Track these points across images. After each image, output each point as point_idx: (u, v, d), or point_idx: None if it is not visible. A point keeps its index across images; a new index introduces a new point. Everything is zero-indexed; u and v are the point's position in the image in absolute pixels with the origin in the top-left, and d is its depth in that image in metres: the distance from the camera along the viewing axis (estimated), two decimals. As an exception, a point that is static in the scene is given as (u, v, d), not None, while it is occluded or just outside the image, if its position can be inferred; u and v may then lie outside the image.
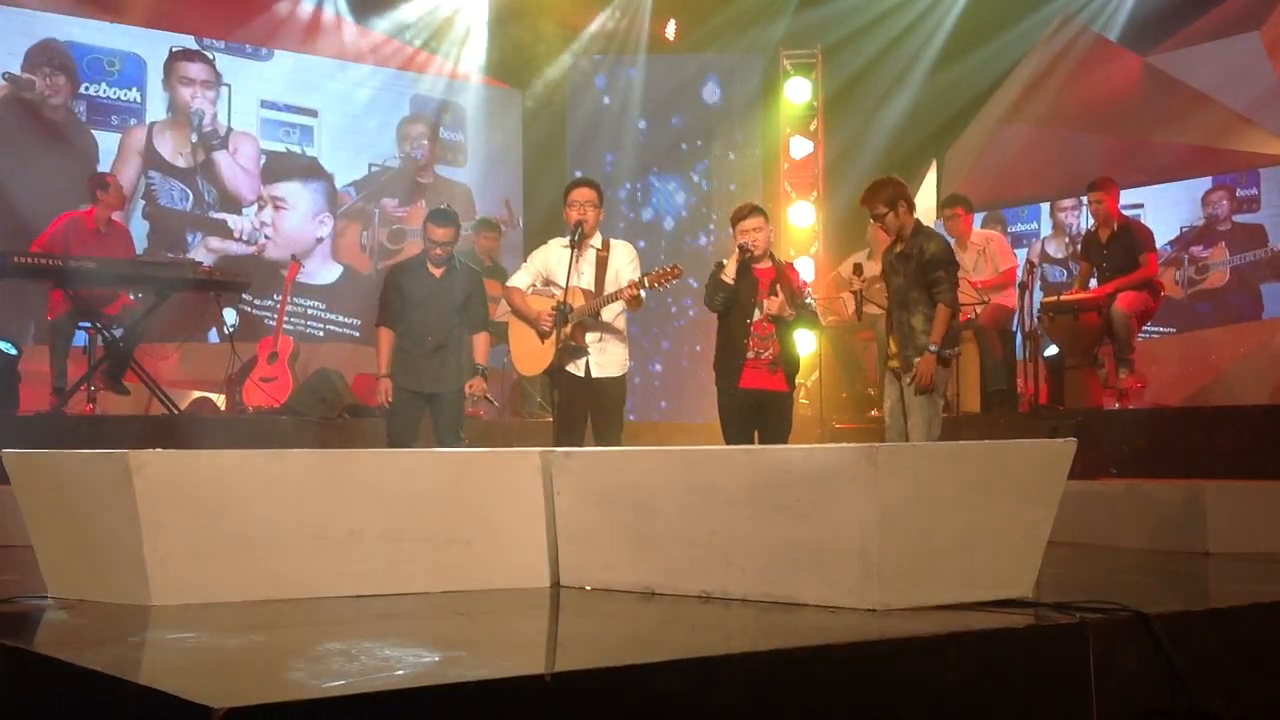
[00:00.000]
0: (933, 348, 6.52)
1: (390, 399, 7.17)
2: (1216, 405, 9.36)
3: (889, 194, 6.69)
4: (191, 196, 11.44)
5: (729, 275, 6.78)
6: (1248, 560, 4.41)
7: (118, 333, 8.55)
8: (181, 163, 11.40)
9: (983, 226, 10.67)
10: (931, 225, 7.40)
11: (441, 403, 7.19)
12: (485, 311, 7.47)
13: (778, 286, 6.78)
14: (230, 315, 9.65)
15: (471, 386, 7.20)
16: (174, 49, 11.44)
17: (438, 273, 7.23)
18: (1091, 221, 9.31)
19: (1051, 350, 9.12)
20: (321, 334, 11.88)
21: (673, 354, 12.68)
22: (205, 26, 11.64)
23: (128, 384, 8.76)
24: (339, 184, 12.31)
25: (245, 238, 11.67)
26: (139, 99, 11.27)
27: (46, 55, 10.81)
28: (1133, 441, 7.62)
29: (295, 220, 12.04)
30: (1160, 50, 11.13)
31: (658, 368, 12.76)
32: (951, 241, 9.12)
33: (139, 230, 10.37)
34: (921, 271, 6.56)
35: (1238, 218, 10.92)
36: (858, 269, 7.21)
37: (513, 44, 12.89)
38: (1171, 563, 4.45)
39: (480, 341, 7.31)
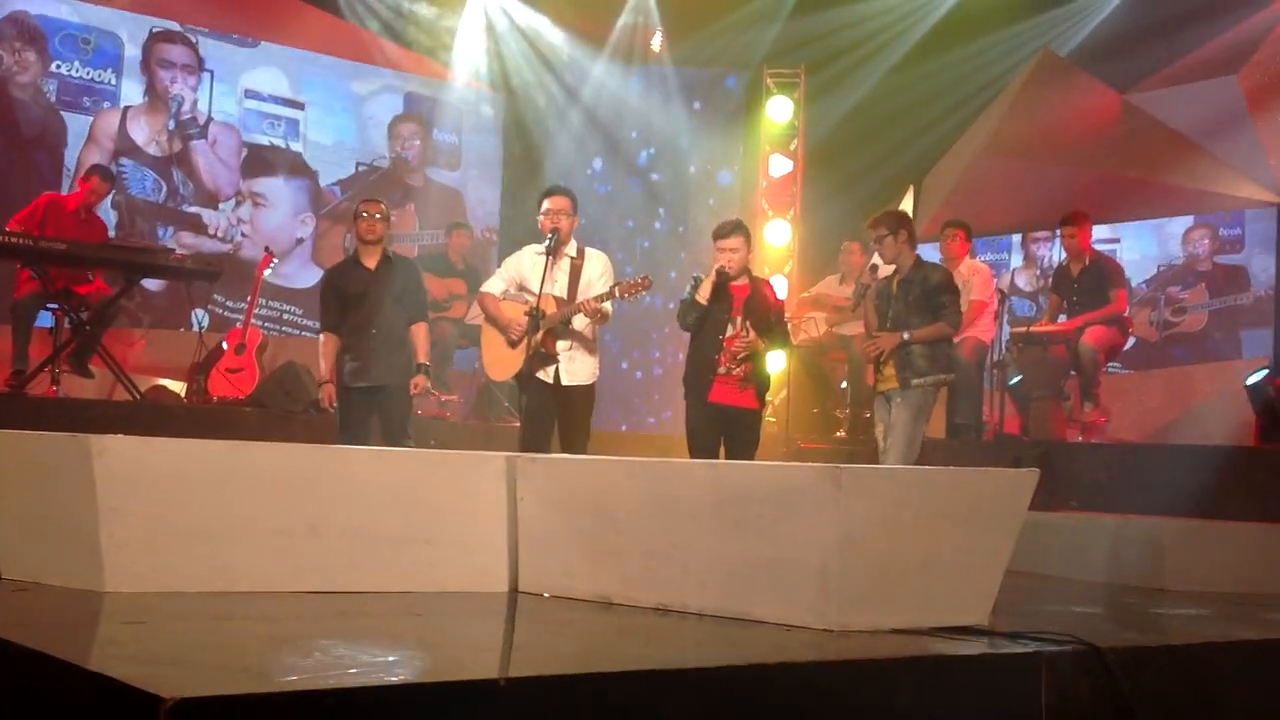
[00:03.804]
0: (906, 336, 6.67)
1: (334, 403, 7.14)
2: (1178, 443, 9.44)
3: (894, 221, 6.91)
4: (165, 188, 11.23)
5: (703, 297, 6.79)
6: (1204, 599, 4.44)
7: (85, 315, 8.51)
8: (155, 151, 11.20)
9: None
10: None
11: (389, 397, 7.14)
12: (423, 301, 7.44)
13: (747, 324, 6.79)
14: (202, 317, 9.56)
15: (415, 385, 7.16)
16: (154, 29, 11.27)
17: (371, 265, 7.20)
18: (1063, 255, 9.38)
19: (1015, 379, 9.19)
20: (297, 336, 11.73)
21: (663, 360, 12.62)
22: (190, 14, 11.49)
23: (93, 368, 8.72)
24: (323, 182, 12.11)
25: (221, 234, 11.47)
26: (114, 81, 11.06)
27: (16, 29, 10.53)
28: (1095, 475, 7.67)
29: (275, 218, 11.81)
30: (1139, 89, 11.22)
31: (639, 375, 12.72)
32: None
33: (107, 220, 10.23)
34: (925, 298, 6.77)
35: (1219, 258, 10.98)
36: (873, 269, 7.22)
37: (504, 49, 12.89)
38: (1128, 597, 4.48)
39: (419, 333, 7.26)
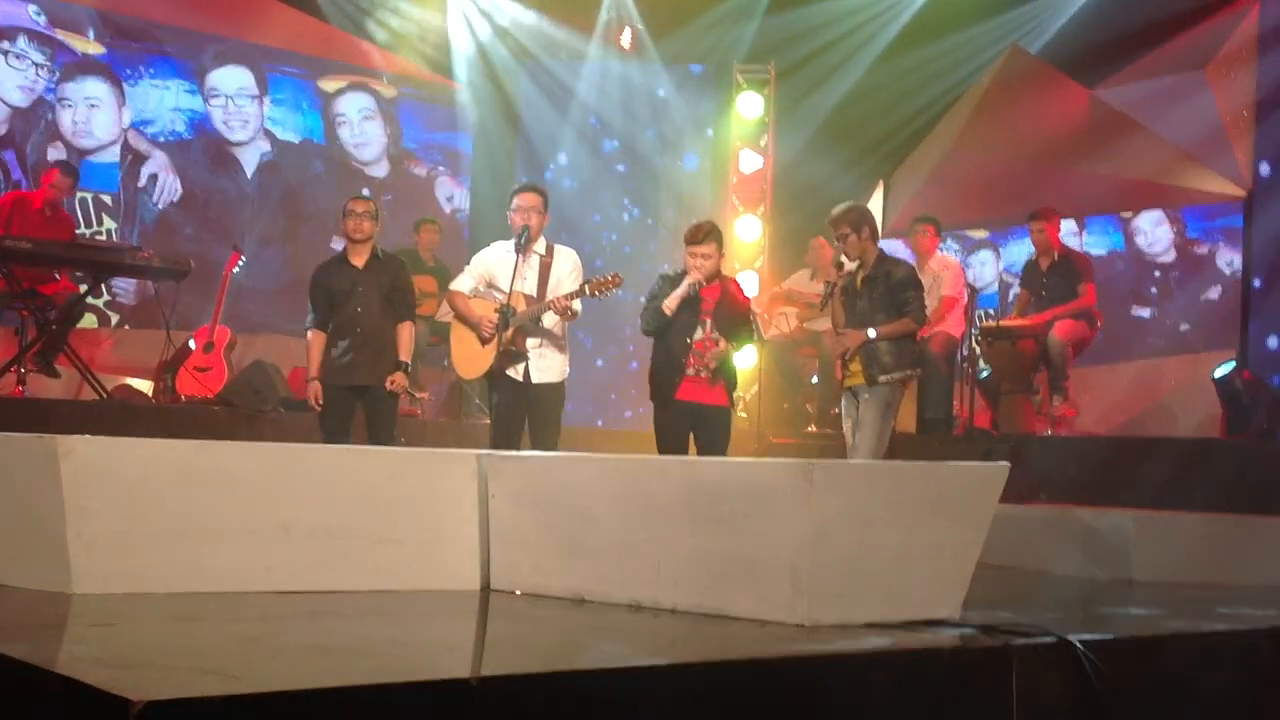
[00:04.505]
0: (871, 333, 6.70)
1: (321, 401, 7.10)
2: (1145, 436, 9.51)
3: (855, 218, 6.88)
4: (131, 185, 11.09)
5: (669, 308, 6.75)
6: (1172, 590, 4.47)
7: (52, 314, 8.45)
8: (121, 148, 11.09)
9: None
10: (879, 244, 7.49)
11: (374, 398, 7.10)
12: (411, 301, 7.39)
13: (717, 335, 6.78)
14: (170, 316, 9.44)
15: (392, 381, 7.10)
16: (119, 25, 11.13)
17: (359, 263, 7.16)
18: (1032, 250, 9.42)
19: (985, 373, 9.23)
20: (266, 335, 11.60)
21: (638, 353, 12.52)
22: (156, 10, 11.38)
23: (59, 368, 8.66)
24: (292, 180, 12.00)
25: (188, 233, 11.39)
26: (79, 77, 10.89)
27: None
28: (1064, 468, 7.71)
29: (243, 216, 11.74)
30: (1107, 84, 11.27)
31: (615, 372, 12.63)
32: (911, 260, 9.25)
33: (74, 218, 10.07)
34: (889, 295, 6.79)
35: (1187, 252, 11.03)
36: (839, 265, 7.18)
37: (474, 45, 12.84)
38: (1097, 589, 4.51)
39: (404, 332, 7.21)
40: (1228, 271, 10.62)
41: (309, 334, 7.22)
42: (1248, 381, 8.58)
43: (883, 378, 6.75)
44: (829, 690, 2.62)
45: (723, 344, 6.76)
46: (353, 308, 7.09)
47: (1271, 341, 9.76)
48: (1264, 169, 10.14)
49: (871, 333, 6.76)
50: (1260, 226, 10.09)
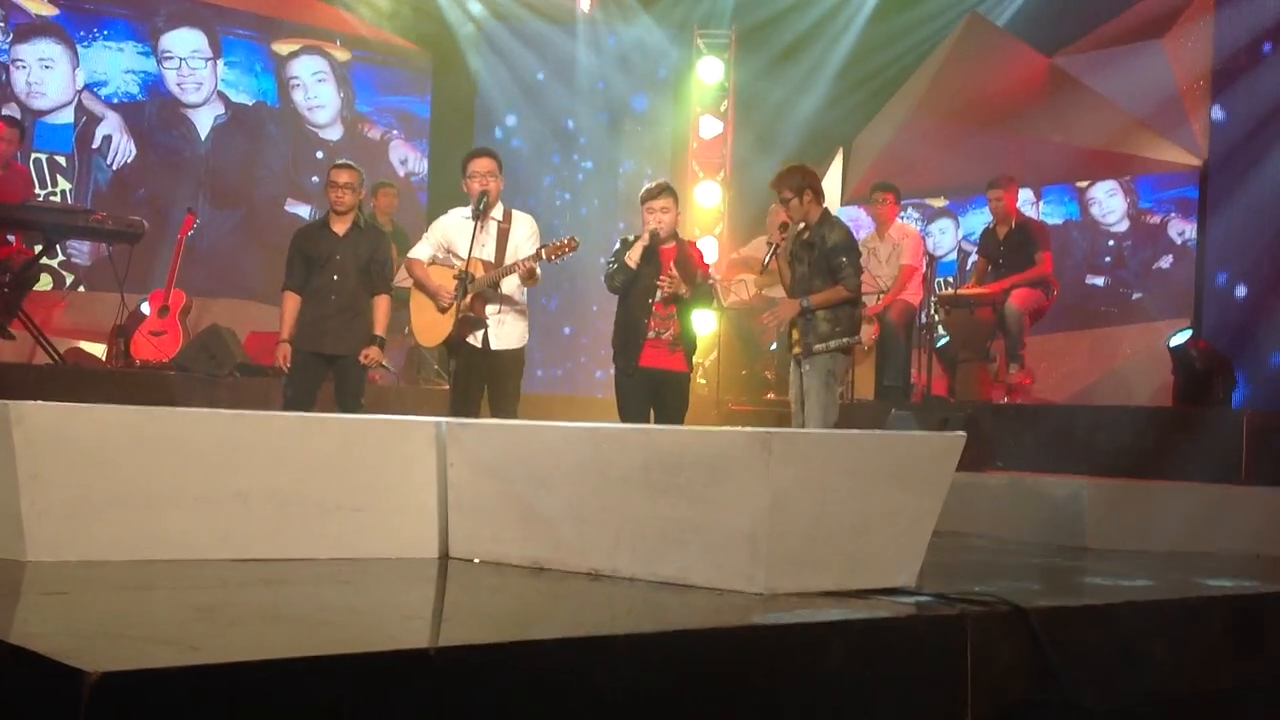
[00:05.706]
0: (805, 303, 6.68)
1: (289, 364, 7.05)
2: (1100, 404, 9.60)
3: (798, 181, 6.82)
4: (86, 148, 11.00)
5: (633, 260, 6.75)
6: (1123, 557, 4.52)
7: (6, 277, 8.35)
8: (75, 110, 10.98)
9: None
10: (836, 213, 7.48)
11: (344, 366, 7.07)
12: (389, 273, 7.37)
13: (673, 264, 6.79)
14: (124, 278, 9.34)
15: (367, 355, 7.08)
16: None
17: (340, 231, 7.11)
18: (990, 218, 9.46)
19: (942, 341, 9.28)
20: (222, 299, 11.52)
21: (602, 313, 12.50)
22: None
23: (12, 330, 8.57)
24: (247, 144, 11.94)
25: (142, 195, 11.28)
26: (31, 40, 10.80)
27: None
28: (1019, 436, 7.77)
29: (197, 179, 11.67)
30: (1066, 53, 11.31)
31: (581, 336, 12.60)
32: (871, 227, 9.25)
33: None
34: (824, 260, 6.71)
35: (1142, 221, 11.11)
36: (783, 227, 7.16)
37: (425, 6, 12.73)
38: (1052, 557, 4.55)
39: (380, 305, 7.19)
40: (1179, 241, 10.71)
41: (284, 295, 7.16)
42: (1202, 350, 8.66)
43: (818, 346, 6.73)
44: (786, 659, 2.63)
45: (678, 275, 6.71)
46: (329, 275, 7.05)
47: (1239, 290, 9.77)
48: (1217, 113, 10.06)
49: (805, 302, 6.74)
50: (1217, 183, 10.06)
